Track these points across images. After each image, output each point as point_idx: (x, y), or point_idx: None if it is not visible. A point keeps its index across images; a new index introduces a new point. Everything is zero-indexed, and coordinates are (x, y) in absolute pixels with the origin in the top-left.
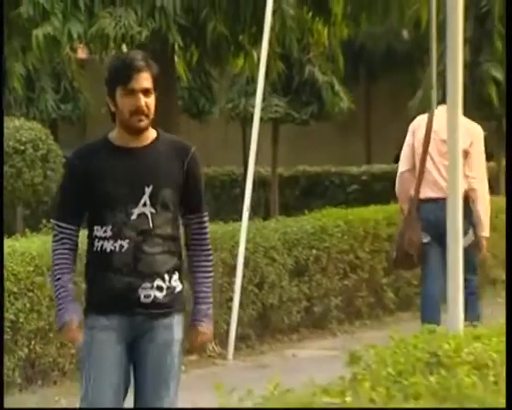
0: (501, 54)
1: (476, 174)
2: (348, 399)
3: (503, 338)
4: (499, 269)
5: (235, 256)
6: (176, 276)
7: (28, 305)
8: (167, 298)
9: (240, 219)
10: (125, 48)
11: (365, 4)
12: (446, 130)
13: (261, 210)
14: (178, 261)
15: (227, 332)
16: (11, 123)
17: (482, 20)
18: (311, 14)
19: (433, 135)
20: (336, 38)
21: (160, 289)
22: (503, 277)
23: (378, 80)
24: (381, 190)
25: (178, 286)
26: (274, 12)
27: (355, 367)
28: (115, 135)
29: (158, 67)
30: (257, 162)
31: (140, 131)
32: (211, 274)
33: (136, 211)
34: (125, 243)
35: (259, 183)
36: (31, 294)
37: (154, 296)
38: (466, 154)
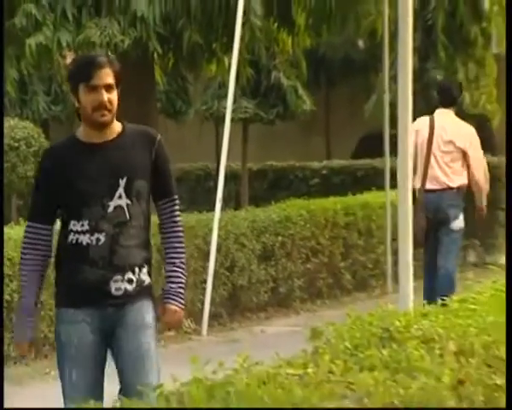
0: (444, 61)
1: (476, 167)
2: (310, 370)
3: (449, 315)
4: None
5: (208, 243)
6: (145, 269)
7: None
8: (136, 290)
9: (213, 209)
10: (110, 54)
11: (325, 17)
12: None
13: (232, 201)
14: (148, 254)
15: (201, 311)
16: (6, 123)
17: (428, 31)
18: (276, 25)
19: (434, 135)
20: (299, 46)
21: (130, 281)
22: None
23: (337, 85)
24: (339, 183)
25: (147, 280)
26: (243, 23)
27: (316, 342)
28: (82, 132)
29: (138, 71)
30: (228, 158)
31: (103, 126)
32: (182, 255)
33: (112, 204)
34: (102, 237)
35: (231, 176)
36: None
37: (125, 289)
38: (464, 154)
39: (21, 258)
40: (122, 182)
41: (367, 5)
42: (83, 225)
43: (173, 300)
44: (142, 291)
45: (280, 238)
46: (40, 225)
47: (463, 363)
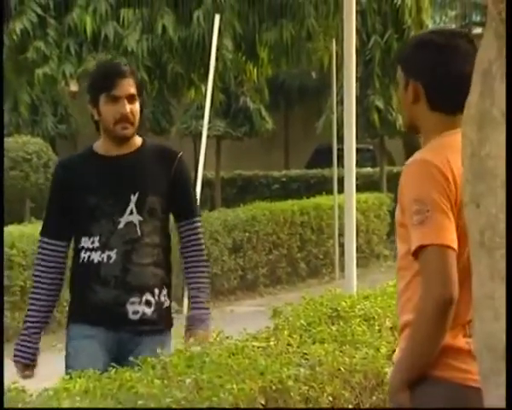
0: (381, 89)
1: None
2: (271, 343)
3: (386, 298)
4: (380, 246)
5: None
6: (165, 291)
7: None
8: (155, 314)
9: None
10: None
11: (284, 52)
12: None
13: (208, 203)
14: (167, 276)
15: (182, 294)
16: (20, 139)
17: (367, 64)
18: (244, 58)
19: None
20: (263, 76)
21: (148, 304)
22: (385, 252)
23: (294, 107)
24: (296, 188)
25: (166, 302)
26: (217, 57)
27: (277, 320)
28: (100, 144)
29: None
30: (204, 168)
31: (125, 140)
32: (207, 280)
33: (122, 220)
34: (113, 254)
35: (206, 183)
36: None
37: (143, 312)
38: None
39: (36, 275)
40: (134, 197)
41: (318, 42)
42: (93, 242)
43: (201, 328)
44: (162, 316)
45: (247, 234)
46: (55, 241)
47: (397, 337)
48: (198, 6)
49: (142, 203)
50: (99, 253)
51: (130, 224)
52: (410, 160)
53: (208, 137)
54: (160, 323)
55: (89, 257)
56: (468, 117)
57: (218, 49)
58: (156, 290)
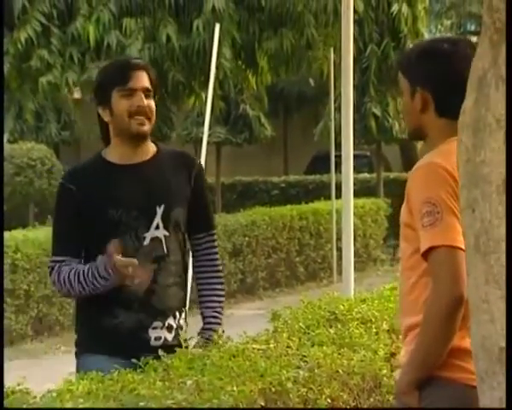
0: (377, 97)
1: None
2: (271, 346)
3: (383, 301)
4: (377, 250)
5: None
6: (184, 314)
7: (37, 277)
8: (175, 340)
9: None
10: None
11: (283, 60)
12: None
13: None
14: (185, 296)
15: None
16: (24, 145)
17: (364, 72)
18: (244, 66)
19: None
20: (262, 84)
21: (170, 329)
22: (382, 256)
23: (292, 114)
24: (295, 193)
25: (185, 325)
26: (217, 65)
27: (276, 322)
28: (111, 152)
29: None
30: (205, 174)
31: (142, 137)
32: (222, 298)
33: (148, 235)
34: None
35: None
36: (39, 269)
37: (165, 338)
38: None
39: (63, 282)
40: (159, 210)
41: (316, 51)
42: None
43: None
44: (179, 342)
45: (247, 238)
46: (71, 259)
47: (394, 339)
48: (198, 15)
49: (168, 216)
50: None
51: (155, 239)
52: (418, 163)
53: (209, 143)
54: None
55: None
56: (463, 124)
57: (218, 58)
58: (177, 314)
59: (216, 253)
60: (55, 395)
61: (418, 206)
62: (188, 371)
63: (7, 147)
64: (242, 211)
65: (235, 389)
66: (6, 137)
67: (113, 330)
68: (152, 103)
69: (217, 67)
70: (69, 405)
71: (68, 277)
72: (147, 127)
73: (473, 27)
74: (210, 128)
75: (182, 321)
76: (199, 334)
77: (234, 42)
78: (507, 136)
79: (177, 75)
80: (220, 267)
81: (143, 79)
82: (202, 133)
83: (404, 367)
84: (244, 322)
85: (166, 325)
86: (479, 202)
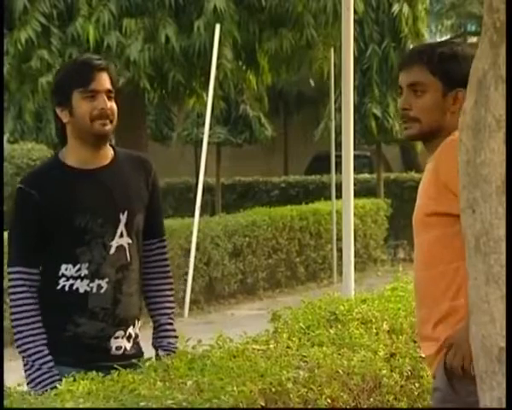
0: (378, 97)
1: None
2: (271, 346)
3: (383, 301)
4: (378, 251)
5: (189, 242)
6: (140, 322)
7: None
8: (133, 349)
9: (193, 215)
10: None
11: (283, 60)
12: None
13: (208, 209)
14: (141, 302)
15: (183, 298)
16: (25, 146)
17: (365, 72)
18: (244, 67)
19: None
20: (263, 84)
21: (129, 338)
22: (382, 257)
23: (292, 115)
24: (295, 194)
25: (139, 334)
26: (217, 66)
27: (276, 323)
28: (70, 155)
29: (132, 105)
30: (205, 174)
31: (104, 139)
32: (173, 304)
33: (114, 244)
34: (104, 283)
35: (207, 189)
36: None
37: (125, 348)
38: None
39: (18, 311)
40: (123, 217)
41: (316, 51)
42: (79, 269)
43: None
44: (137, 349)
45: (247, 239)
46: (29, 270)
47: (394, 340)
48: (199, 16)
49: (131, 223)
50: (86, 282)
51: (120, 248)
52: (442, 145)
53: (209, 143)
54: (136, 357)
55: (71, 286)
56: (463, 124)
57: (218, 58)
58: (136, 322)
59: (167, 259)
60: (54, 394)
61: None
62: (188, 372)
63: (7, 147)
64: (242, 211)
65: (235, 389)
66: (6, 137)
67: (74, 339)
68: (114, 105)
69: (217, 68)
70: (69, 405)
71: (22, 318)
72: (109, 128)
73: (473, 28)
74: (210, 128)
75: (137, 330)
76: (155, 340)
77: (235, 42)
78: (507, 136)
79: (177, 76)
80: (171, 274)
81: (106, 81)
82: (202, 134)
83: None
84: (244, 322)
85: (127, 334)
86: (479, 202)
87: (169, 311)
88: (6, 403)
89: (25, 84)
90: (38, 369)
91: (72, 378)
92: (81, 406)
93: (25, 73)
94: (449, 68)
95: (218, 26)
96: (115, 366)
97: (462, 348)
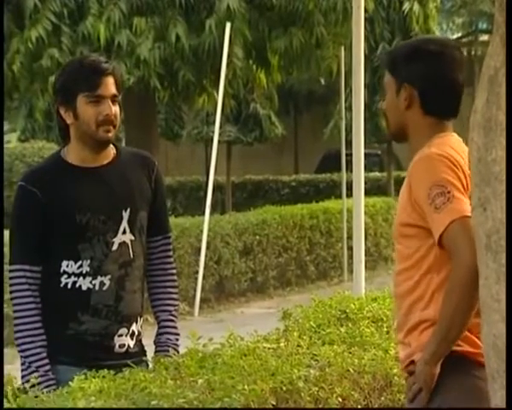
0: None
1: None
2: (282, 344)
3: (393, 299)
4: (388, 249)
5: (199, 241)
6: (142, 320)
7: None
8: (136, 346)
9: (203, 213)
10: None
11: (294, 59)
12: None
13: (219, 207)
14: (143, 300)
15: (194, 296)
16: (36, 144)
17: (375, 70)
18: (254, 65)
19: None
20: (273, 82)
21: (132, 336)
22: (393, 255)
23: (303, 113)
24: (305, 192)
25: (142, 331)
26: (228, 64)
27: (287, 321)
28: (72, 153)
29: (142, 103)
30: (215, 173)
31: (106, 145)
32: (176, 302)
33: (116, 240)
34: (107, 280)
35: (217, 188)
36: None
37: (128, 345)
38: None
39: (19, 310)
40: (126, 214)
41: (327, 50)
42: (81, 266)
43: (169, 352)
44: (140, 347)
45: (257, 237)
46: (31, 267)
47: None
48: (209, 15)
49: (134, 220)
50: (89, 279)
51: (123, 245)
52: (415, 158)
53: (219, 142)
54: (139, 355)
55: (74, 283)
56: (474, 123)
57: (228, 57)
58: (139, 319)
59: (171, 256)
60: (66, 392)
61: (425, 192)
62: (199, 370)
63: (18, 146)
64: (253, 210)
65: (246, 388)
66: (17, 135)
67: (77, 337)
68: (117, 110)
69: (227, 66)
70: (81, 403)
71: (24, 315)
72: (112, 134)
73: (484, 26)
74: (221, 127)
75: (140, 328)
76: (155, 337)
77: (245, 41)
78: (507, 136)
79: (187, 74)
80: (175, 271)
81: (112, 86)
82: (213, 132)
83: (426, 344)
84: (255, 321)
85: (130, 331)
86: (490, 200)
87: (171, 308)
88: (18, 402)
89: (35, 82)
90: (34, 371)
91: (83, 376)
92: (92, 404)
93: (35, 71)
94: (400, 65)
95: (228, 25)
96: (118, 364)
97: (420, 381)
